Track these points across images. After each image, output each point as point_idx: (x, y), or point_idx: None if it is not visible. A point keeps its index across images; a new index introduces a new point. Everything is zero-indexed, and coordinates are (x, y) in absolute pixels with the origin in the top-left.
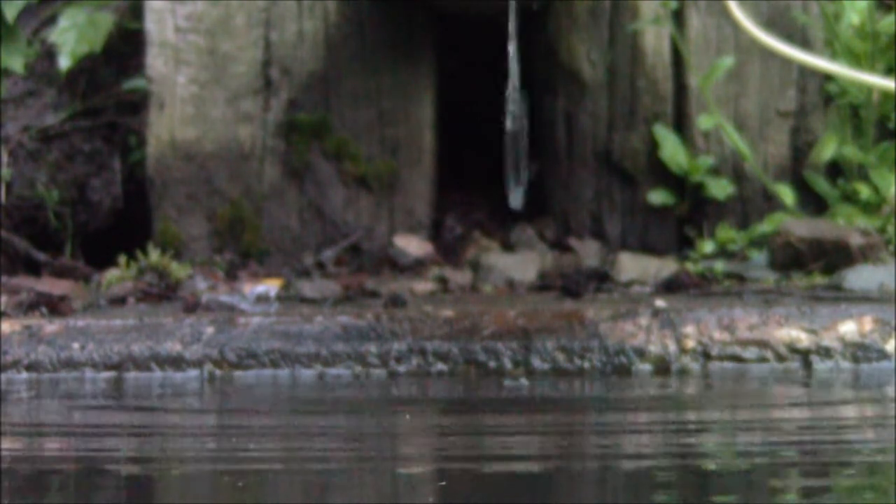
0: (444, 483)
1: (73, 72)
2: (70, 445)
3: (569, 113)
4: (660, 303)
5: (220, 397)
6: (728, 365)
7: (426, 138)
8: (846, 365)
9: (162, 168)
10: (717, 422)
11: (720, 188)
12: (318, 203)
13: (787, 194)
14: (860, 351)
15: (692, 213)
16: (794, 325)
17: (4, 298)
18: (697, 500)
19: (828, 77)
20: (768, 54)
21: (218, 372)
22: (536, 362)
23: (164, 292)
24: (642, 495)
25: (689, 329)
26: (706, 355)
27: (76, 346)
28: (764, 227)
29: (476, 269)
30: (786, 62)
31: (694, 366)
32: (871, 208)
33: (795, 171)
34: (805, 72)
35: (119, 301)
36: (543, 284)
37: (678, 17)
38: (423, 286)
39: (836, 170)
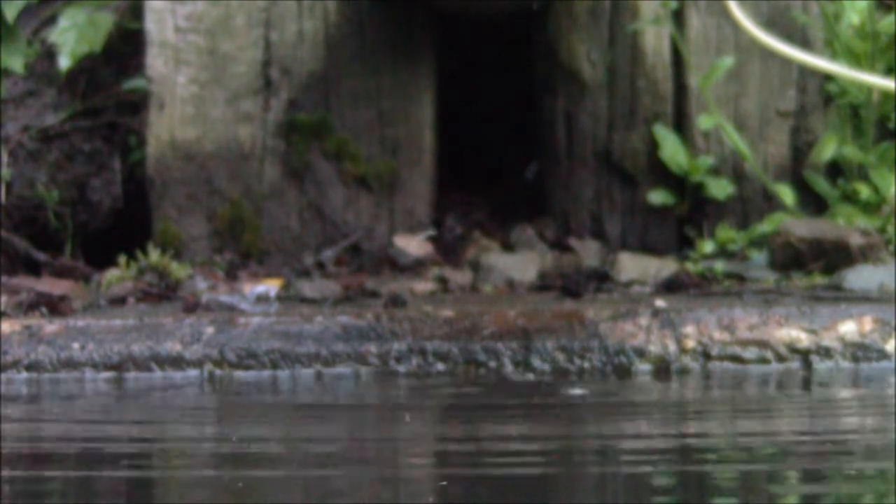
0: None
1: (73, 72)
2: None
3: (569, 113)
4: (660, 303)
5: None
6: (728, 365)
7: (426, 138)
8: (846, 365)
9: (162, 168)
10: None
11: (720, 188)
12: (318, 203)
13: (787, 194)
14: (860, 351)
15: (692, 213)
16: (794, 325)
17: (4, 298)
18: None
19: (828, 77)
20: (768, 54)
21: (218, 372)
22: (536, 362)
23: (164, 292)
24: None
25: (689, 329)
26: (706, 355)
27: (76, 346)
28: (764, 227)
29: (476, 269)
30: (786, 62)
31: (694, 366)
32: (871, 208)
33: (795, 171)
34: (805, 72)
35: (119, 301)
36: (543, 284)
37: (678, 17)
38: (423, 286)
39: (836, 170)
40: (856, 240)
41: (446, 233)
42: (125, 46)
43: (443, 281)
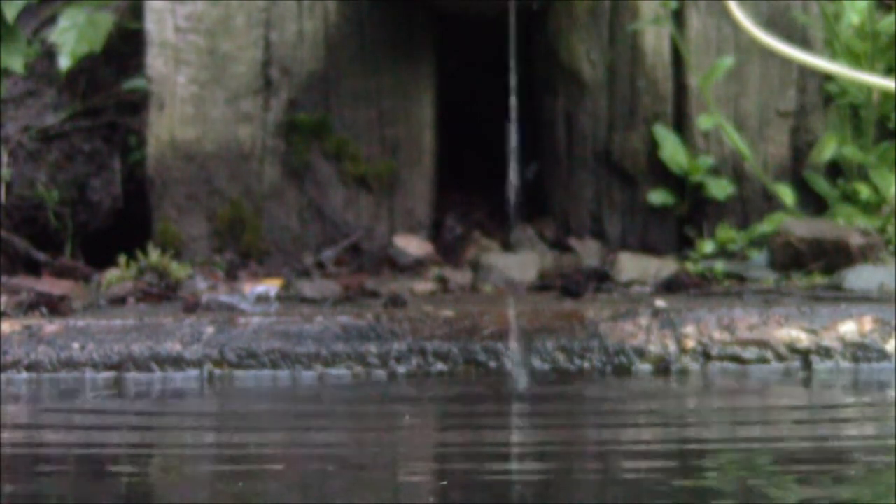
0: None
1: (73, 72)
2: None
3: (569, 113)
4: (660, 303)
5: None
6: (728, 365)
7: (426, 138)
8: (846, 365)
9: (162, 168)
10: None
11: (720, 188)
12: (318, 203)
13: (787, 194)
14: (860, 351)
15: (692, 213)
16: (794, 325)
17: (4, 298)
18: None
19: (828, 77)
20: (768, 54)
21: (218, 372)
22: (536, 362)
23: (164, 292)
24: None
25: (689, 329)
26: (706, 355)
27: (76, 346)
28: (764, 227)
29: (476, 269)
30: (786, 62)
31: (694, 366)
32: (871, 208)
33: (795, 171)
34: (805, 72)
35: (119, 301)
36: (543, 284)
37: (678, 17)
38: (423, 286)
39: (836, 170)
40: (856, 240)
41: (446, 233)
42: (125, 46)
43: (443, 281)
